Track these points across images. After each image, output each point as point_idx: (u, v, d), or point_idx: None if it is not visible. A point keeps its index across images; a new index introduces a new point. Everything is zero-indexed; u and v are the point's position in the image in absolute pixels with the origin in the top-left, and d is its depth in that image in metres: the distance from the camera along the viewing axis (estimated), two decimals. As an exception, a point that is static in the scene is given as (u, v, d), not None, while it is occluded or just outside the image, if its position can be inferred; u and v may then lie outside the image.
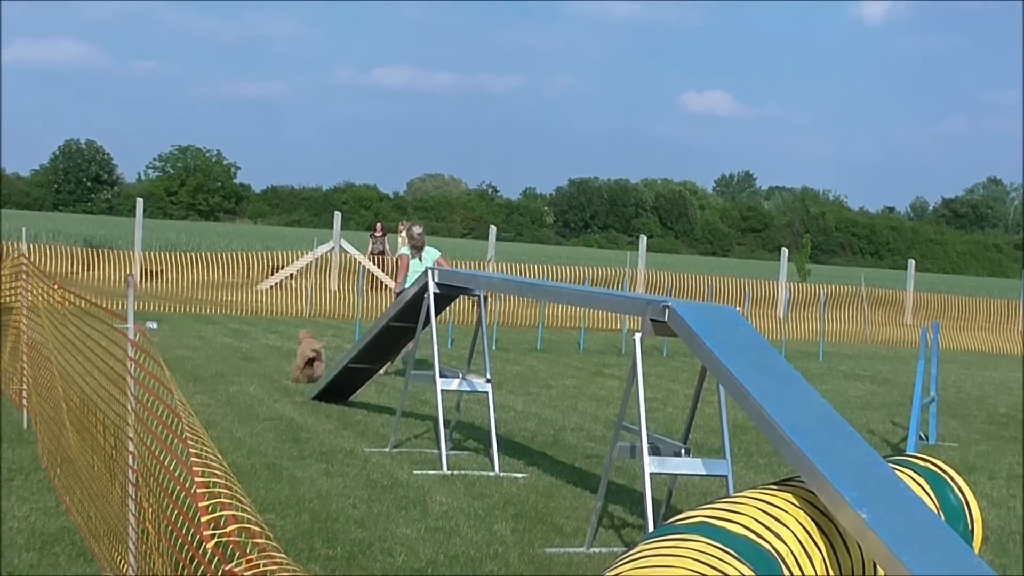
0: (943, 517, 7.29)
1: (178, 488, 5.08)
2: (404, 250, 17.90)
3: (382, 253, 34.07)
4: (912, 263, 39.86)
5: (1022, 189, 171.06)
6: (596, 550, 8.53)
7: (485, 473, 11.12)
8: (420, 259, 16.79)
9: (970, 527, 7.54)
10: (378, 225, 39.76)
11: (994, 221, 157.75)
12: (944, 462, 8.26)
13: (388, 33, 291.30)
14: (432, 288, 11.84)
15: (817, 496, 6.56)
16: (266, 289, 30.64)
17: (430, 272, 12.01)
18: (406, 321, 12.59)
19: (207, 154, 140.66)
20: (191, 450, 4.48)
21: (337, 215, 34.14)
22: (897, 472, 7.25)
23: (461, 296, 13.02)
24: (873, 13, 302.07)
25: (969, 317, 38.76)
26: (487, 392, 11.80)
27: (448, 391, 11.85)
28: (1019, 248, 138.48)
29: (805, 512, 6.56)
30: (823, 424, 7.12)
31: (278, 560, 3.89)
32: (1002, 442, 15.03)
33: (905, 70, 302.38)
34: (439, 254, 17.30)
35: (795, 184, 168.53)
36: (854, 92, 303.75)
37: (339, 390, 14.49)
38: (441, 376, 11.75)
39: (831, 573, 6.42)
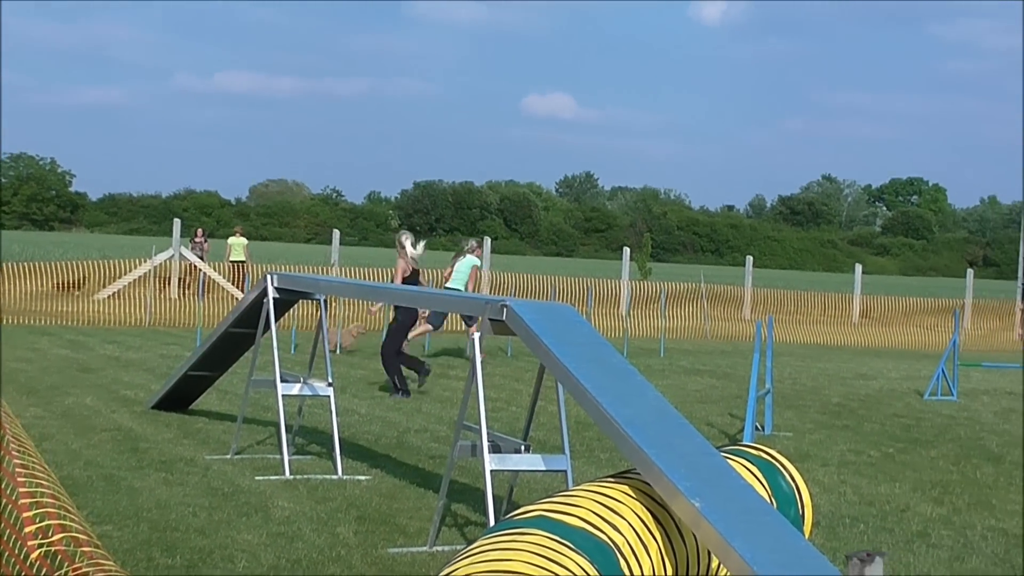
0: (775, 503, 7.47)
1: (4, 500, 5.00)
2: (476, 261, 21.50)
3: (201, 259, 33.78)
4: (750, 260, 40.59)
5: (856, 186, 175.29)
6: (439, 549, 8.57)
7: (328, 477, 11.09)
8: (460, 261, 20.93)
9: (801, 512, 7.74)
10: (199, 231, 39.40)
11: (829, 218, 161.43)
12: (778, 451, 8.47)
13: (229, 37, 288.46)
14: (271, 293, 11.77)
15: (652, 487, 6.68)
16: (104, 298, 30.11)
17: (269, 277, 11.93)
18: (246, 327, 12.49)
19: (40, 162, 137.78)
20: (16, 461, 4.41)
21: (177, 222, 33.67)
22: (730, 461, 7.41)
23: (303, 301, 12.97)
24: (710, 15, 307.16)
25: (805, 311, 39.66)
26: (329, 396, 11.78)
27: (289, 396, 11.79)
28: (853, 244, 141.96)
29: (641, 503, 6.68)
30: (658, 417, 7.25)
31: (105, 568, 3.85)
32: (835, 430, 15.41)
33: (743, 71, 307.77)
34: (477, 263, 21.53)
35: (637, 184, 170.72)
36: (694, 93, 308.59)
37: (179, 398, 14.32)
38: (282, 381, 11.70)
39: (667, 562, 6.55)
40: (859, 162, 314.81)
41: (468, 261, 21.40)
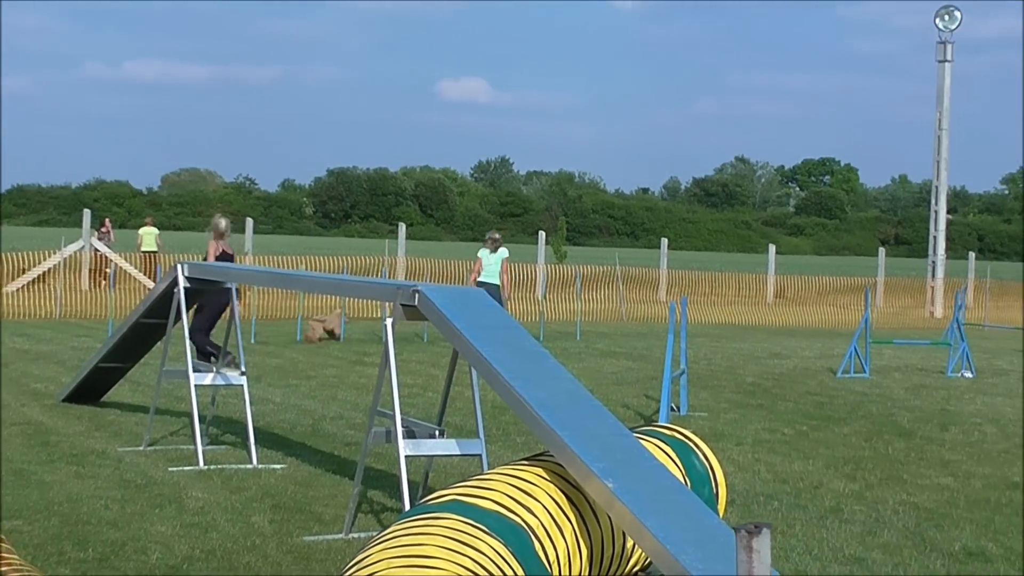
0: (689, 483, 7.53)
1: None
2: (506, 252, 22.59)
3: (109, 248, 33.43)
4: (665, 242, 40.80)
5: (769, 167, 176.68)
6: (355, 535, 8.54)
7: (243, 466, 11.02)
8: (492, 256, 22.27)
9: (715, 491, 7.81)
10: (106, 221, 38.98)
11: (743, 199, 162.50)
12: (693, 431, 8.53)
13: (137, 25, 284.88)
14: (182, 283, 11.66)
15: (566, 469, 6.70)
16: (13, 291, 29.67)
17: (179, 267, 11.81)
18: (157, 317, 12.37)
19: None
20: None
21: (87, 213, 33.27)
22: (645, 442, 7.45)
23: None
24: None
25: (720, 292, 39.93)
26: (242, 385, 11.70)
27: (202, 386, 11.71)
28: (767, 224, 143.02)
29: (555, 485, 6.69)
30: (571, 400, 7.27)
31: (9, 561, 3.80)
32: (749, 410, 15.54)
33: (656, 52, 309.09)
34: (507, 255, 22.66)
35: (552, 168, 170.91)
36: (609, 75, 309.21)
37: (90, 391, 14.17)
38: (194, 371, 11.61)
39: (581, 543, 6.57)
40: (772, 143, 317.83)
41: (500, 254, 22.57)
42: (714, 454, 8.16)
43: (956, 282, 40.18)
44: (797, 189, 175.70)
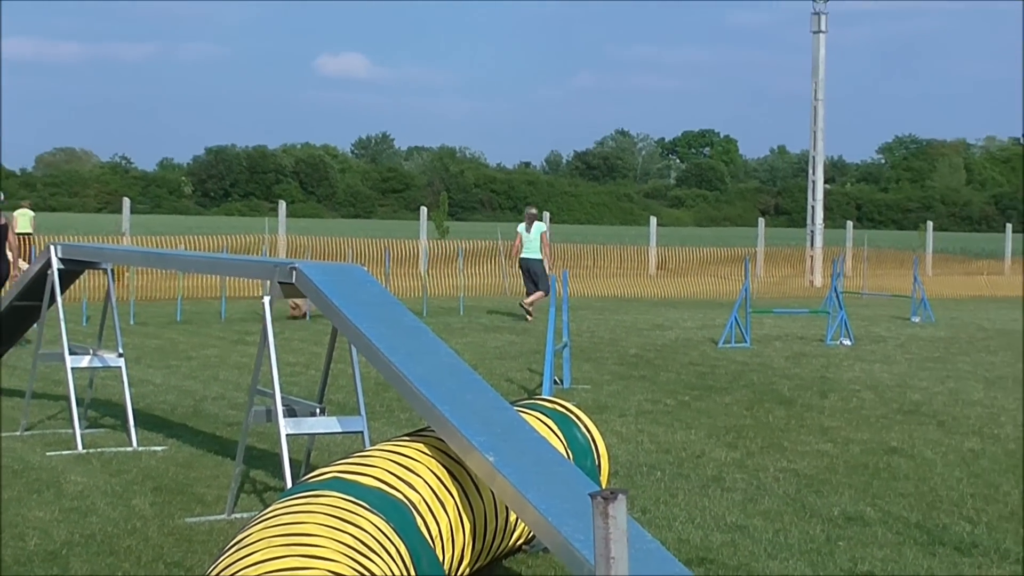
0: (571, 455, 7.56)
1: None
2: (543, 227, 24.36)
3: None
4: (547, 215, 40.88)
5: (649, 140, 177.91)
6: (237, 516, 8.45)
7: (123, 449, 10.86)
8: (529, 231, 24.00)
9: (597, 463, 7.85)
10: None
11: (624, 172, 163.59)
12: (576, 403, 8.57)
13: (9, 3, 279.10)
14: (56, 264, 11.44)
15: (447, 444, 6.69)
16: None
17: (52, 248, 11.59)
18: (31, 300, 12.13)
19: None
20: None
21: (-42, 195, 32.51)
22: (526, 415, 7.46)
23: (91, 271, 12.64)
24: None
25: (603, 265, 40.11)
26: (120, 367, 11.52)
27: (79, 368, 11.50)
28: (648, 196, 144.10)
29: (437, 460, 6.68)
30: (451, 375, 7.25)
31: None
32: (632, 381, 15.65)
33: (535, 26, 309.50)
34: (544, 229, 24.37)
35: (434, 144, 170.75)
36: (488, 50, 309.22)
37: (-36, 376, 13.87)
38: (71, 354, 11.41)
39: (464, 518, 6.56)
40: (652, 116, 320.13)
41: (537, 228, 24.24)
42: (597, 426, 8.20)
43: (834, 251, 40.73)
44: (677, 161, 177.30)
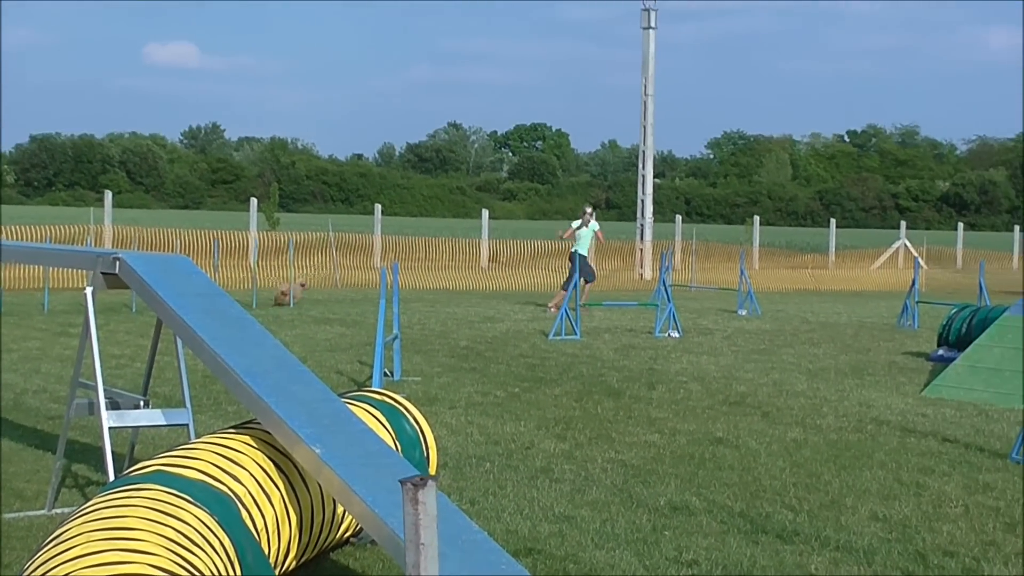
0: (399, 447, 7.52)
1: None
2: (575, 223, 26.19)
3: None
4: (379, 207, 40.77)
5: (482, 132, 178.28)
6: (58, 511, 8.25)
7: (-63, 444, 10.53)
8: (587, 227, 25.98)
9: (426, 454, 7.83)
10: None
11: (457, 164, 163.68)
12: (406, 395, 8.55)
13: None
14: None
15: (273, 436, 6.61)
16: None
17: None
18: None
19: None
20: None
21: None
22: (354, 407, 7.40)
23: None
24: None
25: (435, 257, 40.09)
26: (-65, 359, 11.19)
27: None
28: (481, 189, 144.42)
29: (263, 452, 6.60)
30: (277, 366, 7.16)
31: None
32: (462, 373, 15.66)
33: (369, 17, 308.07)
34: (598, 227, 26.43)
35: (265, 135, 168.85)
36: (321, 41, 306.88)
37: None
38: None
39: (290, 510, 6.50)
40: (484, 109, 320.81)
41: (592, 227, 26.04)
42: (427, 418, 8.18)
43: (664, 244, 41.25)
44: (510, 154, 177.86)
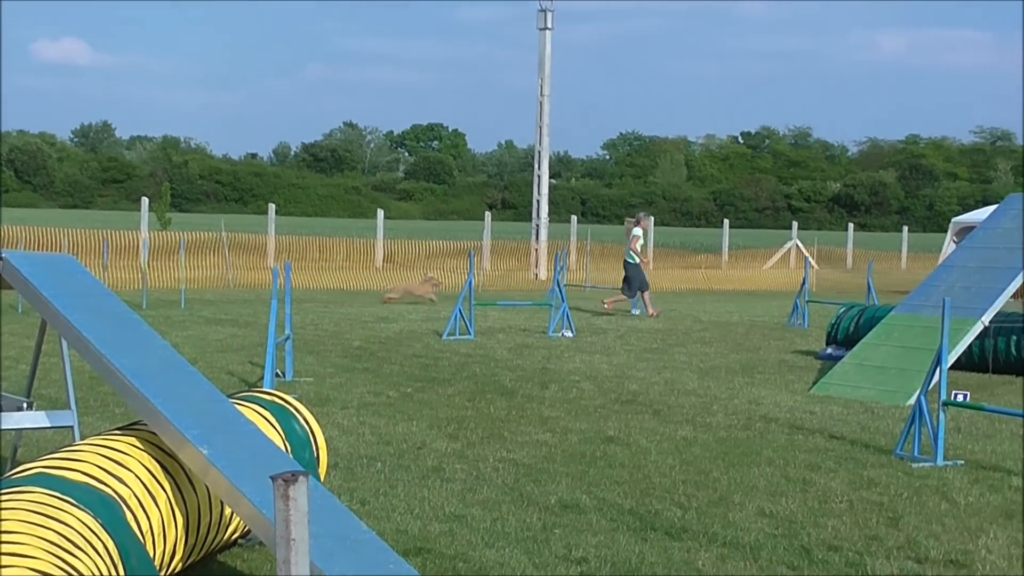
0: (289, 447, 7.49)
1: None
2: (637, 231, 26.36)
3: None
4: (272, 207, 40.52)
5: (378, 132, 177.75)
6: (-61, 517, 8.09)
7: None
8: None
9: (316, 455, 7.79)
10: None
11: (352, 164, 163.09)
12: (298, 396, 8.51)
13: None
14: None
15: (160, 437, 6.54)
16: None
17: None
18: None
19: None
20: None
21: None
22: (243, 408, 7.36)
23: None
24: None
25: (330, 257, 39.94)
26: None
27: None
28: (377, 189, 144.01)
29: (148, 454, 6.53)
30: (164, 367, 7.09)
31: None
32: (355, 373, 15.61)
33: (263, 16, 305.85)
34: (638, 233, 26.43)
35: (157, 133, 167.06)
36: (215, 39, 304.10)
37: None
38: None
39: (176, 512, 6.44)
40: (380, 109, 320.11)
41: (634, 233, 26.35)
42: (320, 418, 8.16)
43: (559, 245, 41.42)
44: (406, 154, 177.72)
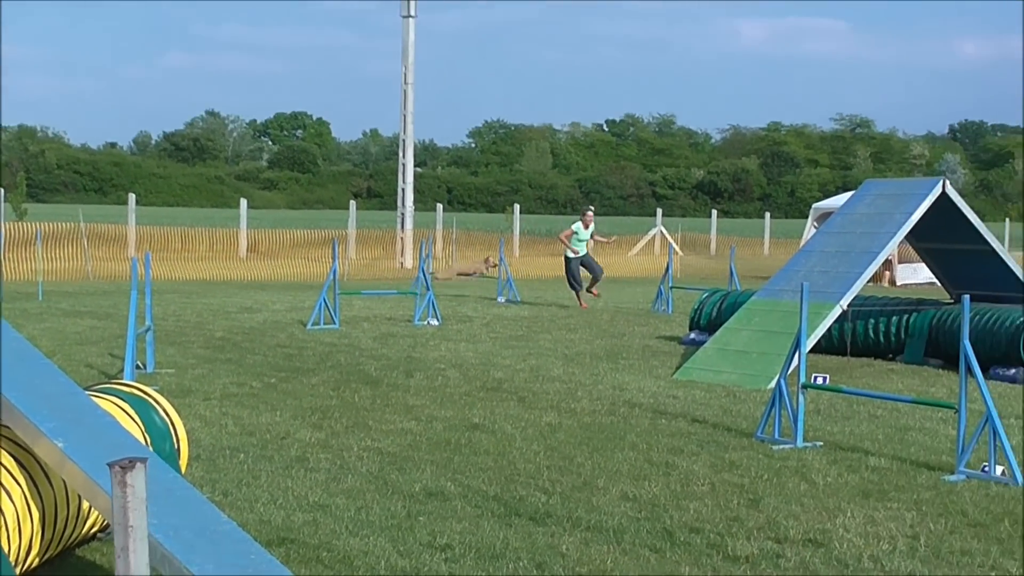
0: (149, 439, 7.39)
1: None
2: (575, 226, 26.27)
3: None
4: (133, 197, 39.87)
5: (241, 121, 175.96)
6: None
7: None
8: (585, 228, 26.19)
9: (176, 446, 7.71)
10: None
11: (215, 153, 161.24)
12: (160, 388, 8.39)
13: None
14: None
15: (14, 431, 6.41)
16: None
17: None
18: None
19: None
20: None
21: None
22: (101, 400, 7.25)
23: None
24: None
25: (192, 247, 39.46)
26: None
27: None
28: (240, 179, 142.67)
29: (2, 448, 6.40)
30: (18, 360, 6.93)
31: None
32: (218, 364, 15.44)
33: (121, 5, 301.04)
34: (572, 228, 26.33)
35: (12, 123, 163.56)
36: (72, 27, 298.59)
37: None
38: None
39: (32, 507, 6.32)
40: (243, 97, 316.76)
41: (591, 230, 26.37)
42: (181, 410, 8.07)
43: (424, 233, 41.36)
44: (270, 143, 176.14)
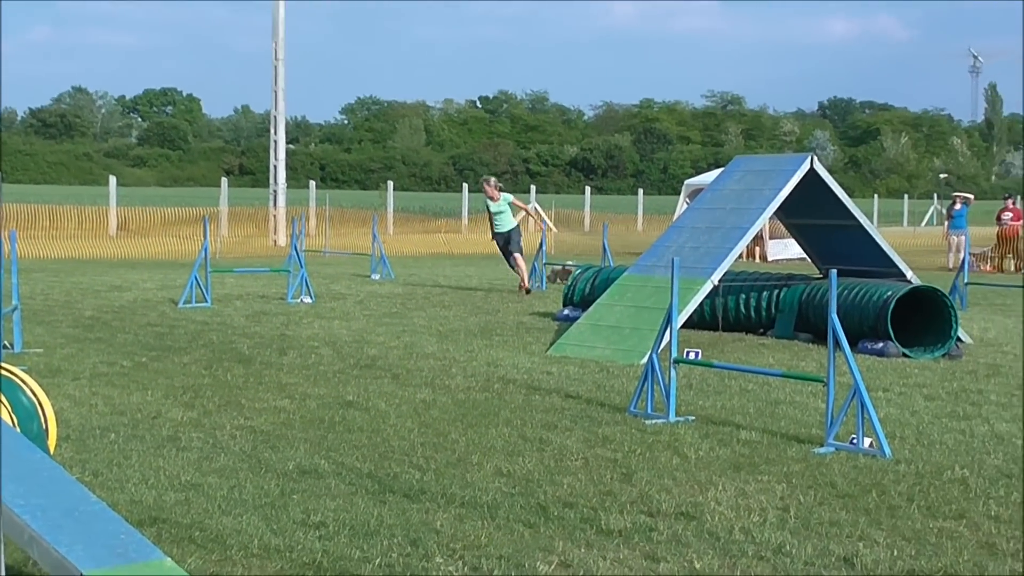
0: (15, 420, 7.27)
1: None
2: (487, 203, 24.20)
3: None
4: (-2, 174, 39.11)
5: (109, 97, 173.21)
6: None
7: None
8: (496, 200, 24.04)
9: (44, 427, 7.59)
10: None
11: (83, 130, 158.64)
12: (27, 368, 8.25)
13: None
14: None
15: None
16: None
17: None
18: None
19: None
20: None
21: None
22: (-35, 381, 7.11)
23: None
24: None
25: (60, 226, 38.82)
26: None
27: None
28: (109, 156, 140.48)
29: None
30: None
31: None
32: (87, 344, 15.22)
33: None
34: (512, 197, 24.42)
35: None
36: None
37: None
38: None
39: None
40: (111, 73, 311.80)
41: (505, 198, 24.20)
42: (50, 390, 7.95)
43: (297, 210, 41.07)
44: (139, 120, 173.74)
